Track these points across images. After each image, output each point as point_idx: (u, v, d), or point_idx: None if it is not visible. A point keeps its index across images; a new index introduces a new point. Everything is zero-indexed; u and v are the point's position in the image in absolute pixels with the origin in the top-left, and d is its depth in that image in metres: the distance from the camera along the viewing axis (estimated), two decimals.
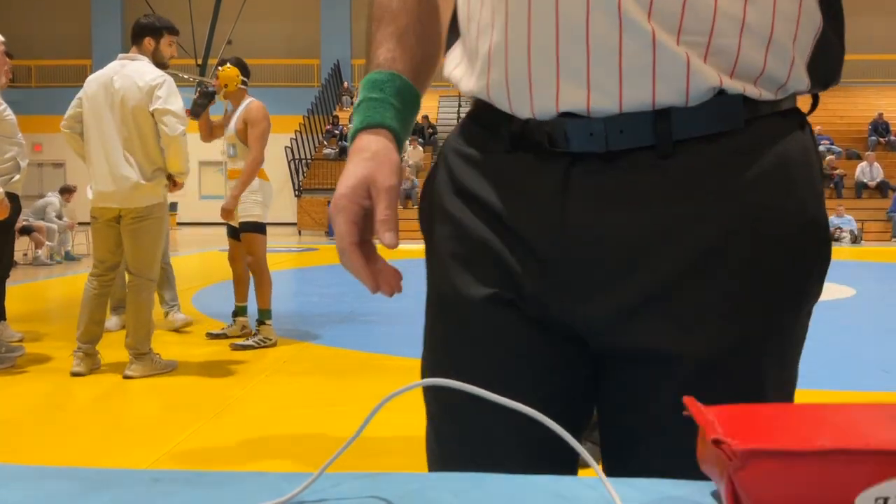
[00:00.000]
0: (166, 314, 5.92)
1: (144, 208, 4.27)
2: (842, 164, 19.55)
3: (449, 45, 0.90)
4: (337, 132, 21.96)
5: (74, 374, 4.33)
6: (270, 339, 5.17)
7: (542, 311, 0.78)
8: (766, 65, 0.71)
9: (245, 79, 5.18)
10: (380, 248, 1.00)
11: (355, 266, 0.73)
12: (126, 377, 4.28)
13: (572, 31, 0.70)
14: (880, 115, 21.34)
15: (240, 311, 5.49)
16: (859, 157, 19.90)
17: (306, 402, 3.85)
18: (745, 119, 0.71)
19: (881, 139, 20.90)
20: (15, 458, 3.03)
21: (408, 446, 3.03)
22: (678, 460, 0.64)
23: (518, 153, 0.78)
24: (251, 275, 5.20)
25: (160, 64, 4.46)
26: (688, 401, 0.52)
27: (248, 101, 5.11)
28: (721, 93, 0.70)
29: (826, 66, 0.76)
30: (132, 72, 4.28)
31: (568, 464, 0.78)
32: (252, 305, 5.46)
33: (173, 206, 10.09)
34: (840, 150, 20.25)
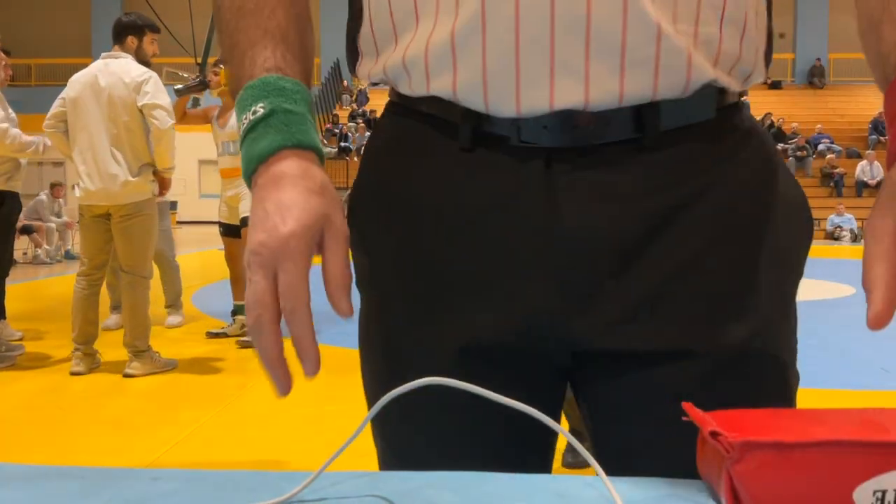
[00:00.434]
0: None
1: (133, 205, 4.27)
2: (842, 163, 19.53)
3: (350, 37, 0.78)
4: (337, 131, 21.92)
5: (74, 374, 4.33)
6: None
7: (525, 339, 0.69)
8: (741, 54, 0.70)
9: None
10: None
11: (272, 353, 0.58)
12: (126, 376, 4.28)
13: (571, 20, 0.63)
14: (881, 113, 21.23)
15: (239, 310, 5.50)
16: (860, 156, 19.88)
17: (306, 401, 3.85)
18: (716, 108, 0.70)
19: (882, 138, 20.86)
20: (15, 458, 3.02)
21: None
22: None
23: (479, 150, 0.69)
24: None
25: (143, 62, 4.45)
26: (686, 406, 0.52)
27: None
28: (708, 84, 0.68)
29: (769, 57, 0.76)
30: (117, 69, 4.28)
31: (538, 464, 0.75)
32: None
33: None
34: (840, 148, 20.23)
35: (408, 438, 0.75)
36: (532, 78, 0.65)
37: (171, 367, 4.49)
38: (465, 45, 0.66)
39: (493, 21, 0.64)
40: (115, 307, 5.70)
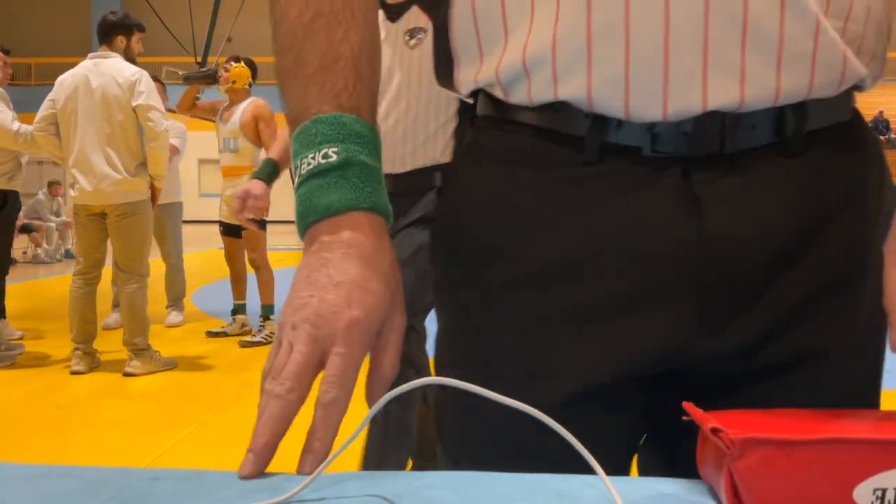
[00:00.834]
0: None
1: (129, 204, 4.26)
2: None
3: (440, 44, 0.71)
4: None
5: (74, 373, 4.34)
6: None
7: (652, 365, 0.64)
8: (877, 53, 0.66)
9: (252, 81, 5.22)
10: None
11: (271, 439, 0.57)
12: (126, 374, 4.29)
13: (726, 11, 0.57)
14: (881, 112, 21.32)
15: (239, 309, 5.51)
16: None
17: (306, 401, 3.85)
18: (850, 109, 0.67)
19: (882, 137, 20.87)
20: (15, 457, 3.03)
21: None
22: None
23: (605, 164, 0.62)
24: (254, 271, 5.21)
25: (130, 60, 4.43)
26: (687, 405, 0.52)
27: (253, 98, 5.13)
28: (854, 83, 0.64)
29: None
30: (108, 69, 4.24)
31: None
32: (252, 303, 5.46)
33: None
34: None
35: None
36: (682, 76, 0.59)
37: (171, 366, 4.49)
38: (603, 39, 0.59)
39: (639, 13, 0.58)
40: (117, 305, 5.71)
